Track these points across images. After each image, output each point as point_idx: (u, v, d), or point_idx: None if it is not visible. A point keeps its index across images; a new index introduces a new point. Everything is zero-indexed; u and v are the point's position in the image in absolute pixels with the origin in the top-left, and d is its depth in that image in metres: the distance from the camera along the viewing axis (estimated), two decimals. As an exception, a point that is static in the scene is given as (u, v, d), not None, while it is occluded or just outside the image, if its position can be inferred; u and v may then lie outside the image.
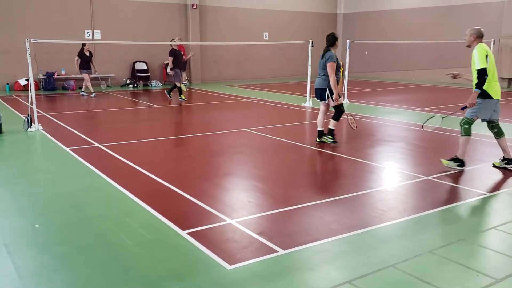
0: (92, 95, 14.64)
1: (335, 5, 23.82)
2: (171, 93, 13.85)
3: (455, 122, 9.93)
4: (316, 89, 7.62)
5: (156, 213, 4.53)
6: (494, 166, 6.26)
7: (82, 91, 14.93)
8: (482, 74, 5.75)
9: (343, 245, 3.87)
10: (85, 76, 14.57)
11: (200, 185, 5.53)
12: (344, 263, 3.57)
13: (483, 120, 6.08)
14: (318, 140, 7.66)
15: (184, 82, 16.62)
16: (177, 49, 13.38)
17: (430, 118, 6.63)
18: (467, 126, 5.99)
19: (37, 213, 4.65)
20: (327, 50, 7.42)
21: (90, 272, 3.43)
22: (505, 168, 6.13)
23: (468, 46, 6.05)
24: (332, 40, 7.42)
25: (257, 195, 5.15)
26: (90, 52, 14.55)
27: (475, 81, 5.89)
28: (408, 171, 6.12)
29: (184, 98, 13.56)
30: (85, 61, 14.48)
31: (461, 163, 6.08)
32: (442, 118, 6.47)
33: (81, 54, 14.39)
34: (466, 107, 5.97)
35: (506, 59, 17.52)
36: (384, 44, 18.46)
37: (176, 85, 13.59)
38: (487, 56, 5.80)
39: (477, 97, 5.90)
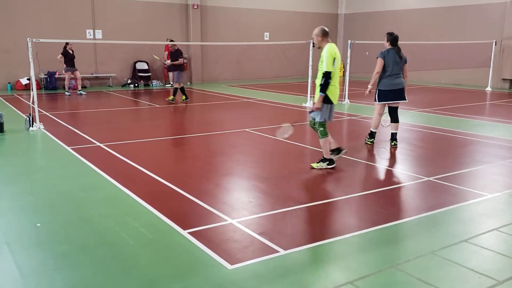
0: (67, 93, 14.93)
1: (336, 5, 23.81)
2: (175, 95, 13.34)
3: (456, 122, 9.94)
4: (400, 89, 7.44)
5: (157, 213, 4.53)
6: (312, 168, 6.24)
7: (79, 91, 15.04)
8: (327, 77, 5.80)
9: (344, 246, 3.87)
10: (68, 74, 14.91)
11: (200, 185, 5.53)
12: (346, 264, 3.57)
13: (322, 121, 6.12)
14: (370, 141, 7.70)
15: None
16: (172, 50, 13.04)
17: (282, 127, 6.47)
18: (322, 129, 6.07)
19: (38, 212, 4.65)
20: (399, 49, 7.40)
21: (91, 271, 3.43)
22: (326, 168, 6.18)
23: (319, 48, 6.07)
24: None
25: (257, 195, 5.14)
26: (73, 51, 14.80)
27: (320, 82, 5.92)
28: (409, 172, 6.12)
29: (171, 98, 13.09)
30: (69, 60, 14.77)
31: (329, 161, 6.16)
32: (293, 125, 6.44)
33: (65, 53, 14.64)
34: (313, 111, 6.02)
35: (508, 60, 17.49)
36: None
37: (177, 87, 13.29)
38: (334, 59, 5.86)
39: (324, 102, 5.95)
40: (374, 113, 7.75)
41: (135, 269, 3.47)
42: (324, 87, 5.82)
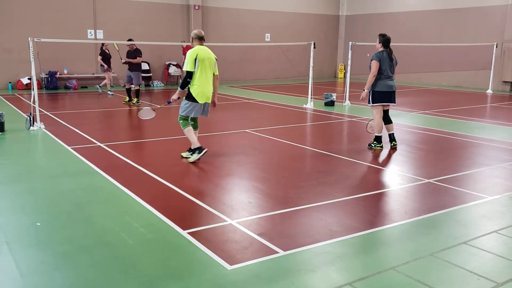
0: (110, 93, 14.97)
1: (338, 7, 23.83)
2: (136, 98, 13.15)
3: (456, 124, 9.94)
4: (394, 91, 7.49)
5: (157, 213, 4.54)
6: (182, 157, 6.66)
7: (109, 91, 15.02)
8: (186, 76, 6.31)
9: (343, 247, 3.87)
10: (109, 74, 14.86)
11: (201, 185, 5.53)
12: (345, 265, 3.57)
13: (192, 117, 6.58)
14: (380, 146, 7.49)
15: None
16: (131, 49, 12.74)
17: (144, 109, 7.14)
18: (181, 121, 6.52)
19: (38, 211, 4.66)
20: (391, 51, 7.39)
21: (90, 270, 3.43)
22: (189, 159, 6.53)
23: None
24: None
25: (257, 196, 5.15)
26: (108, 51, 14.80)
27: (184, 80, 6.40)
28: (409, 174, 6.12)
29: (128, 100, 13.03)
30: (106, 60, 14.76)
31: (195, 150, 6.49)
32: (154, 110, 7.05)
33: (102, 53, 14.63)
34: (170, 101, 6.55)
35: (509, 62, 17.48)
36: (386, 46, 18.50)
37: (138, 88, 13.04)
38: (196, 60, 6.28)
39: (187, 99, 6.41)
40: (375, 118, 7.52)
41: (134, 269, 3.47)
42: (182, 84, 6.37)
